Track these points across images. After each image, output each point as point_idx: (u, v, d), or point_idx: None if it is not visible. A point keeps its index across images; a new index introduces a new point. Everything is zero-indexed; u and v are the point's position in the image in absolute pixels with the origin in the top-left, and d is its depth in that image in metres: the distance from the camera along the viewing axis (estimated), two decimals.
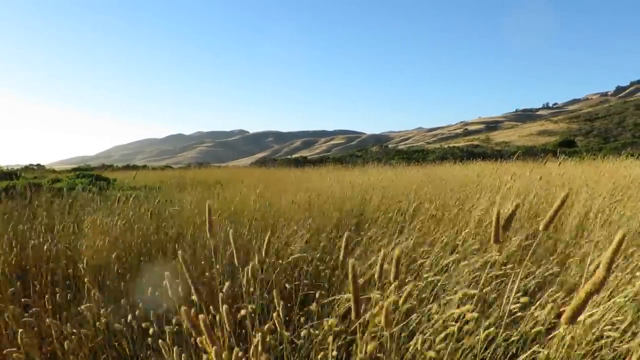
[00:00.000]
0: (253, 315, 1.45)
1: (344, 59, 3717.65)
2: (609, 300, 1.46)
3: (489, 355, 1.34)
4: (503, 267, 1.89)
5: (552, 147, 29.20)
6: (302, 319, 1.82)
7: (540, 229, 1.01)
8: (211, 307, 1.24)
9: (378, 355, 1.27)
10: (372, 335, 1.15)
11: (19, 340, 1.49)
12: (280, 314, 1.31)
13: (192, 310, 1.03)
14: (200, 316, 0.97)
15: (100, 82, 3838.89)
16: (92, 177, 10.74)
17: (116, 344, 1.91)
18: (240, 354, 0.95)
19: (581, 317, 1.02)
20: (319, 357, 1.36)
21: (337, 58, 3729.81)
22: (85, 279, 2.00)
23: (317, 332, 1.52)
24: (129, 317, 1.78)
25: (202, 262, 2.49)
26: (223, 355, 0.92)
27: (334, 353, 1.24)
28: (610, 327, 1.38)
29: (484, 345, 1.34)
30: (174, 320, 1.63)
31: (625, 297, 1.42)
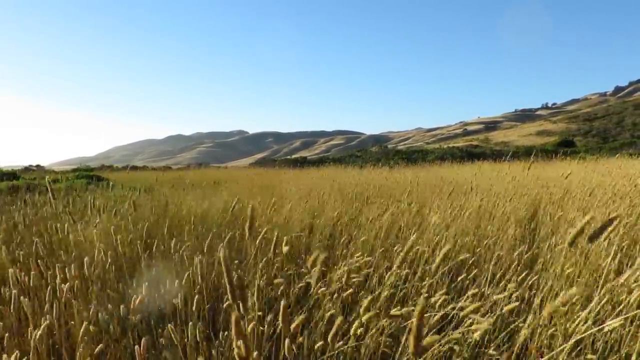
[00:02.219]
0: None
1: (342, 59, 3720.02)
2: None
3: None
4: None
5: (551, 147, 29.23)
6: None
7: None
8: None
9: None
10: None
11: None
12: None
13: None
14: None
15: (100, 82, 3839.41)
16: (91, 177, 10.75)
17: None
18: None
19: None
20: None
21: (336, 58, 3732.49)
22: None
23: None
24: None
25: None
26: None
27: None
28: None
29: None
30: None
31: None
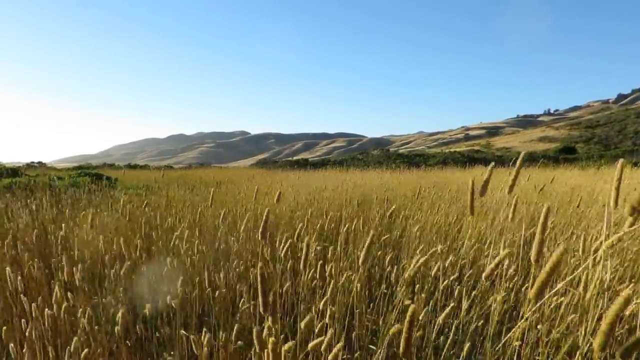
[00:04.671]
0: None
1: (346, 61, 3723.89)
2: None
3: None
4: None
5: (553, 154, 29.25)
6: None
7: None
8: None
9: None
10: None
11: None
12: None
13: None
14: None
15: (103, 81, 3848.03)
16: (93, 175, 10.77)
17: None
18: None
19: None
20: None
21: (339, 61, 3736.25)
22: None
23: None
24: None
25: None
26: None
27: None
28: None
29: None
30: None
31: None
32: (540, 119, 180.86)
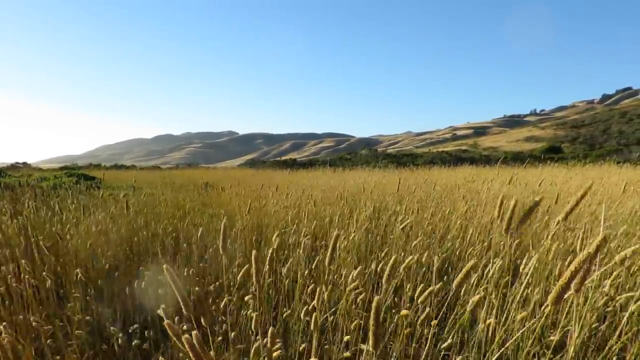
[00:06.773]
0: None
1: (333, 61, 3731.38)
2: None
3: None
4: None
5: (539, 153, 29.58)
6: None
7: None
8: None
9: None
10: None
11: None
12: None
13: None
14: None
15: (89, 80, 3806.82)
16: (79, 176, 10.63)
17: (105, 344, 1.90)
18: None
19: None
20: None
21: (327, 61, 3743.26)
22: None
23: None
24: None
25: None
26: None
27: None
28: None
29: None
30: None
31: None
32: (526, 119, 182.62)
